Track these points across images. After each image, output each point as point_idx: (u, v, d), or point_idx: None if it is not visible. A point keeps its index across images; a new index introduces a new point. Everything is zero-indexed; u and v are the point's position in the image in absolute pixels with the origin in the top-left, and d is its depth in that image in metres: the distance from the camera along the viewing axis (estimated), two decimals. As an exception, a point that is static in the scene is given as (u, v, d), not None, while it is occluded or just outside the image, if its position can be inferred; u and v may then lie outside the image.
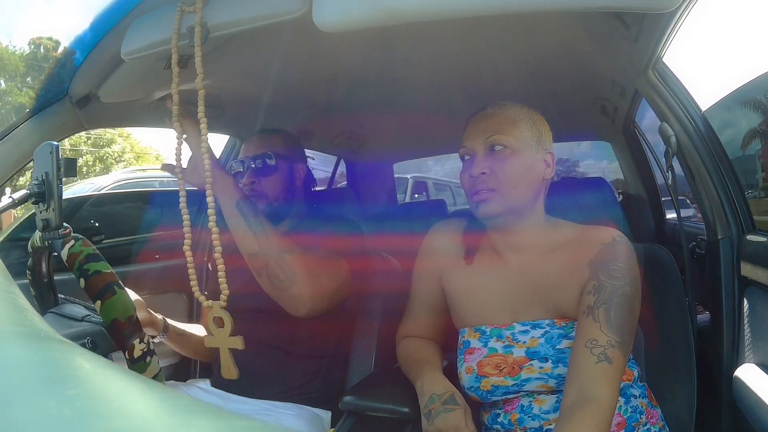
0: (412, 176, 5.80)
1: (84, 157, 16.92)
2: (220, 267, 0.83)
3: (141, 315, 1.10)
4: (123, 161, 17.57)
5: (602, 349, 0.76)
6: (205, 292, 1.31)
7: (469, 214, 1.00)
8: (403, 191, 5.48)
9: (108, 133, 17.04)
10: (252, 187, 1.16)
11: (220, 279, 0.83)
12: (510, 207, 0.86)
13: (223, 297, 0.83)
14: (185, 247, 0.84)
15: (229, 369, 0.87)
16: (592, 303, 0.80)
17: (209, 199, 0.82)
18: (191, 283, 0.85)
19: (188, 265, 0.84)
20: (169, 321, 1.18)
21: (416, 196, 5.59)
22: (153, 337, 1.15)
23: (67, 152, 16.23)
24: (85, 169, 16.95)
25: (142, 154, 17.79)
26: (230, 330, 0.85)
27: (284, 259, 0.93)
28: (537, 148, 0.89)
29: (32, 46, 17.73)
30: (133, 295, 1.10)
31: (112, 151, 17.45)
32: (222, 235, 1.38)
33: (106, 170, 17.23)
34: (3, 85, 17.58)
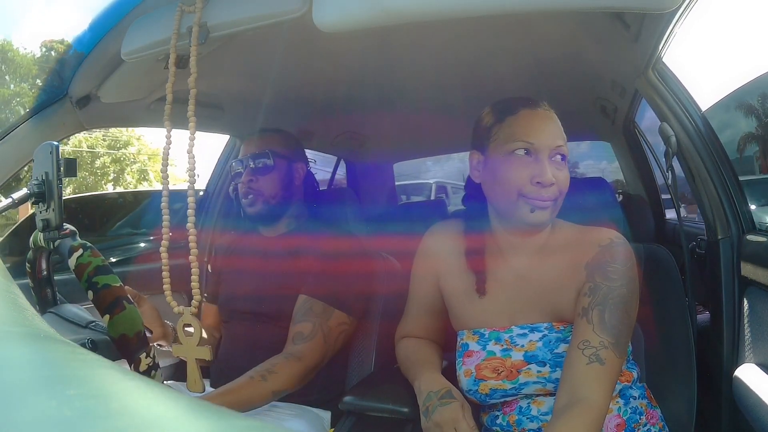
0: (435, 181, 6.37)
1: (101, 158, 17.13)
2: (194, 270, 0.81)
3: (157, 330, 1.09)
4: (138, 162, 17.76)
5: (594, 350, 0.76)
6: (206, 294, 1.31)
7: (464, 216, 0.99)
8: (427, 195, 6.05)
9: (124, 135, 17.26)
10: (249, 186, 1.17)
11: (193, 284, 0.80)
12: (554, 216, 0.86)
13: (194, 303, 0.81)
14: (162, 249, 0.82)
15: (195, 382, 0.81)
16: (586, 305, 0.80)
17: (190, 200, 0.80)
18: (164, 286, 0.83)
19: (163, 267, 0.82)
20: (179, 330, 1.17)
21: (439, 197, 6.12)
22: (162, 346, 1.14)
23: (85, 154, 16.45)
24: (100, 171, 17.14)
25: (153, 156, 17.99)
26: (198, 339, 0.82)
27: (284, 388, 0.99)
28: None
29: (44, 49, 17.88)
30: (151, 310, 1.09)
31: (128, 153, 17.65)
32: (223, 236, 1.37)
33: (121, 171, 17.46)
34: (13, 87, 17.71)
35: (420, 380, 0.89)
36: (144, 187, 17.22)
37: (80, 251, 0.67)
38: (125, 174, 17.54)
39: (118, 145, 17.41)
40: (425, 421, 0.83)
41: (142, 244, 2.03)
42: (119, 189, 16.37)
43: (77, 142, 16.46)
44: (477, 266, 0.92)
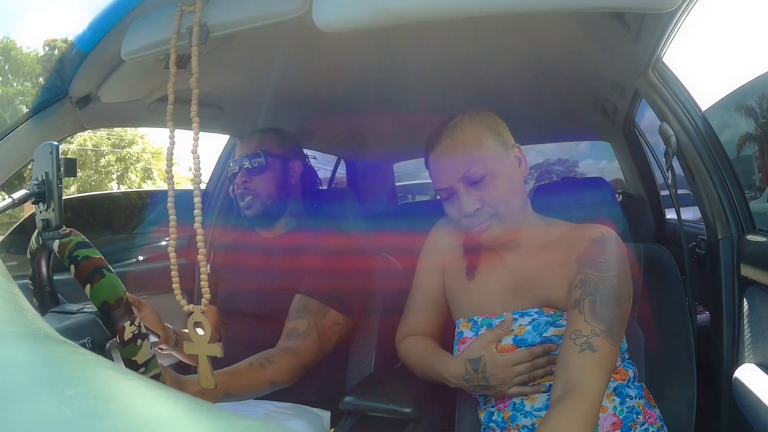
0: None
1: (106, 156, 17.20)
2: (203, 270, 0.82)
3: (158, 332, 1.09)
4: (142, 161, 17.83)
5: (585, 338, 0.77)
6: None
7: None
8: (433, 195, 5.86)
9: (128, 133, 17.37)
10: (245, 186, 1.17)
11: (202, 283, 0.82)
12: (510, 223, 0.87)
13: (203, 301, 0.82)
14: (170, 249, 0.83)
15: (207, 378, 0.83)
16: (578, 296, 0.81)
17: (196, 200, 0.81)
18: (173, 286, 0.84)
19: (172, 267, 0.83)
20: (179, 332, 1.17)
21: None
22: (162, 350, 1.14)
23: (89, 152, 16.46)
24: (105, 169, 17.23)
25: (156, 154, 18.11)
26: (209, 336, 0.83)
27: (281, 380, 0.99)
28: (506, 153, 0.87)
29: (47, 48, 17.92)
30: (152, 314, 1.09)
31: (133, 152, 17.73)
32: (222, 236, 1.37)
33: (126, 170, 17.50)
34: (17, 86, 17.76)
35: (445, 360, 0.92)
36: (148, 185, 17.32)
37: (64, 236, 0.68)
38: (129, 172, 17.63)
39: (122, 144, 17.53)
40: (480, 379, 0.86)
41: (163, 243, 2.05)
42: (123, 187, 16.48)
43: (82, 141, 16.55)
44: (471, 259, 0.97)
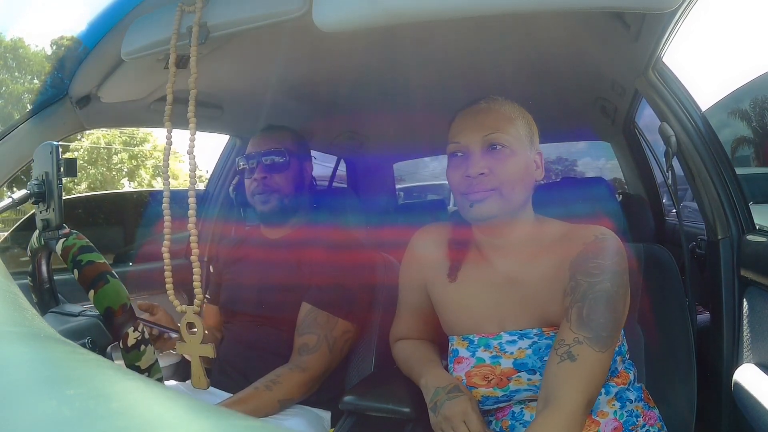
0: (451, 182, 6.42)
1: (119, 154, 17.33)
2: (196, 271, 0.82)
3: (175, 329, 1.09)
4: (153, 158, 17.94)
5: (567, 348, 0.74)
6: (207, 296, 1.31)
7: (453, 218, 0.98)
8: (446, 195, 5.98)
9: (140, 131, 17.60)
10: (264, 183, 1.15)
11: (195, 284, 0.82)
12: (507, 209, 0.83)
13: (196, 302, 0.82)
14: (163, 249, 0.82)
15: (199, 378, 0.84)
16: (567, 304, 0.79)
17: (191, 201, 0.81)
18: (167, 286, 0.84)
19: (165, 267, 0.83)
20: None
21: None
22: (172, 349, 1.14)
23: (102, 149, 16.50)
24: (116, 167, 17.32)
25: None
26: (202, 337, 0.83)
27: (290, 397, 1.02)
28: (530, 148, 0.86)
29: (54, 46, 17.96)
30: (165, 315, 1.11)
31: (144, 150, 17.84)
32: (229, 230, 1.37)
33: (137, 167, 17.58)
34: (25, 84, 17.79)
35: (426, 377, 0.89)
36: (158, 182, 17.46)
37: (66, 237, 0.68)
38: (140, 170, 17.75)
39: (134, 142, 17.69)
40: (434, 417, 0.83)
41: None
42: (134, 184, 16.60)
43: (95, 138, 16.71)
44: (455, 260, 0.92)
